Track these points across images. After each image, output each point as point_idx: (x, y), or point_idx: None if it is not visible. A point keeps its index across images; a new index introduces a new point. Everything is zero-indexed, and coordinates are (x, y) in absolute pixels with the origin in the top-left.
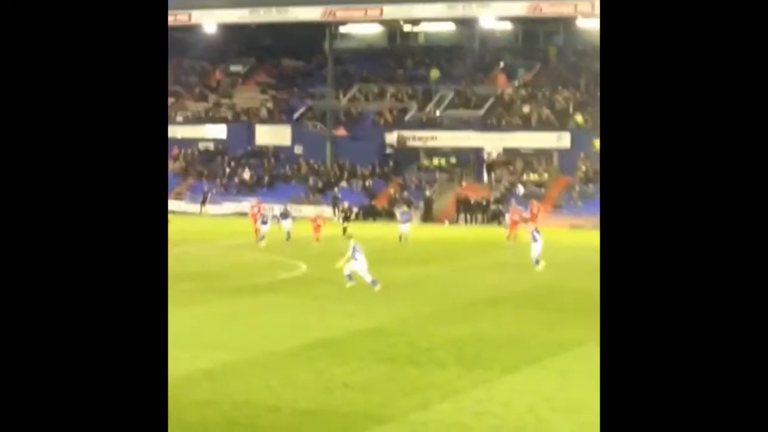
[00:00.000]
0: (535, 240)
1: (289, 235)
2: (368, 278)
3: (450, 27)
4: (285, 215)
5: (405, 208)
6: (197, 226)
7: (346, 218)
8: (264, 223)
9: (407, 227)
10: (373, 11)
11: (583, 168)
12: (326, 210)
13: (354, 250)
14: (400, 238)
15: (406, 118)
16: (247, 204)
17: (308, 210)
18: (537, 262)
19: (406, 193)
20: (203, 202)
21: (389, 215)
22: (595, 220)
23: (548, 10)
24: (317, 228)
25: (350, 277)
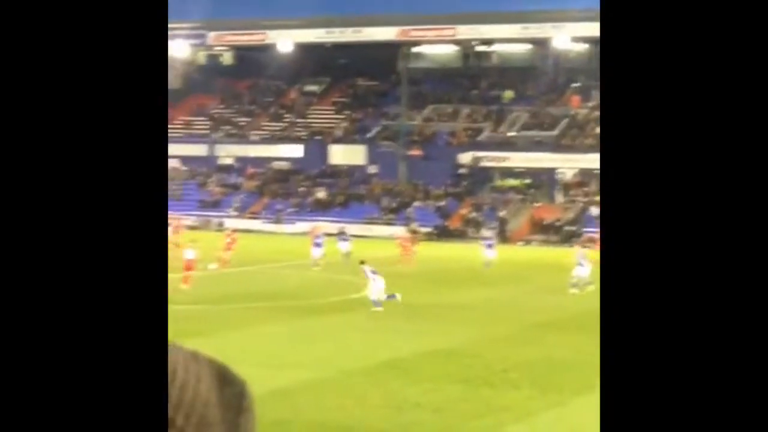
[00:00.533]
0: (580, 264)
1: (347, 255)
2: (384, 297)
3: (524, 47)
4: (343, 237)
5: (486, 232)
6: (272, 245)
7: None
8: (318, 245)
9: (493, 253)
10: (447, 31)
11: None
12: (400, 230)
13: (370, 273)
14: (486, 264)
15: (480, 138)
16: (322, 223)
17: (381, 230)
18: (575, 285)
19: (478, 214)
20: (277, 222)
21: (462, 236)
22: None
23: None
24: (406, 249)
25: (377, 302)
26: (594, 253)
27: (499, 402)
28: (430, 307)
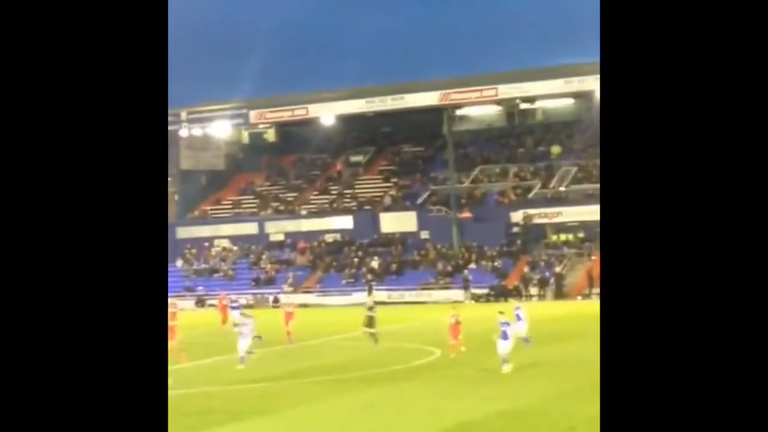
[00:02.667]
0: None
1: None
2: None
3: (567, 102)
4: (371, 309)
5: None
6: (329, 318)
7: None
8: (235, 308)
9: (508, 345)
10: (489, 92)
11: None
12: (456, 293)
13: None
14: (503, 360)
15: (530, 195)
16: (382, 293)
17: (438, 295)
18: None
19: (535, 271)
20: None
21: (520, 294)
22: None
23: None
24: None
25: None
26: None
27: None
28: (494, 369)
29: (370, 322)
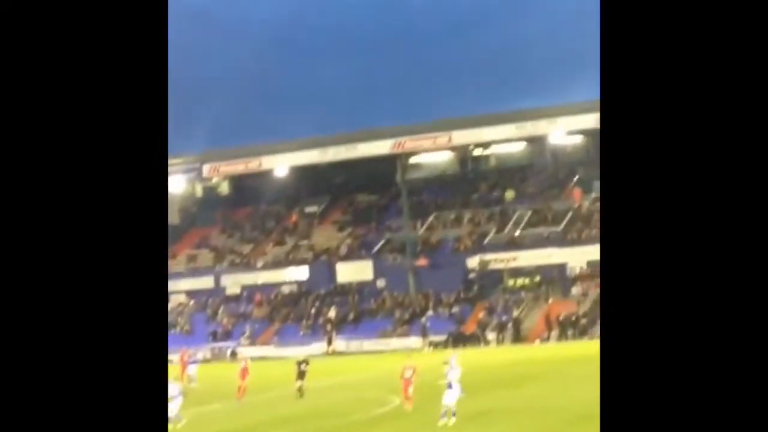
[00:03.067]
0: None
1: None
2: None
3: (520, 146)
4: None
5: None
6: (290, 368)
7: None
8: (192, 363)
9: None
10: (442, 139)
11: None
12: (415, 341)
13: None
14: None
15: (486, 241)
16: (341, 342)
17: (396, 343)
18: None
19: (492, 317)
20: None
21: (478, 340)
22: None
23: None
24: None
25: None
26: None
27: None
28: (461, 414)
29: (300, 375)
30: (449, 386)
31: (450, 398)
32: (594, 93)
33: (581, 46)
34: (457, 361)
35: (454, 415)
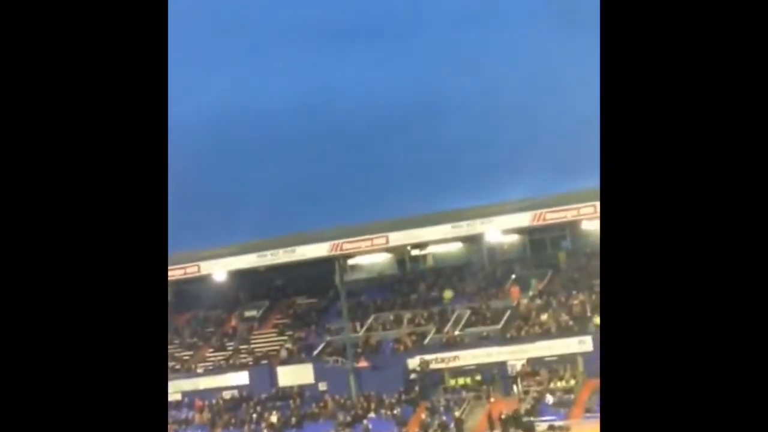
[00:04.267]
0: None
1: None
2: None
3: (457, 246)
4: None
5: None
6: None
7: None
8: None
9: None
10: (379, 240)
11: None
12: None
13: None
14: None
15: (426, 341)
16: None
17: None
18: None
19: (434, 417)
20: None
21: None
22: None
23: (552, 217)
24: None
25: None
26: None
27: None
28: None
29: None
30: None
31: None
32: (527, 192)
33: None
34: None
35: None
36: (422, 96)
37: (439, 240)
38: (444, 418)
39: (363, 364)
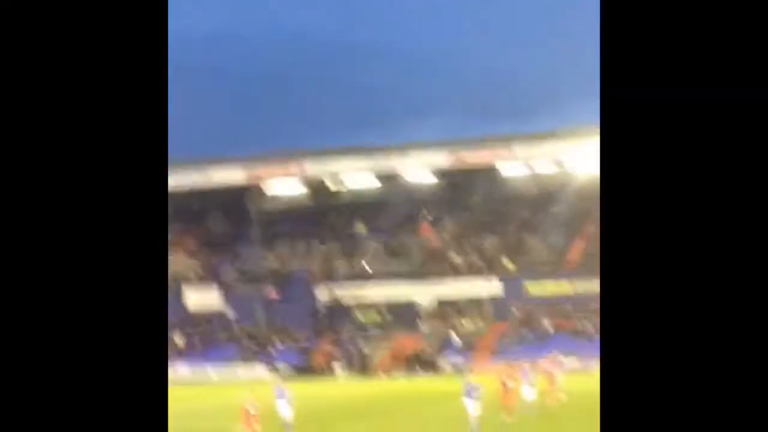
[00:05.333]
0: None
1: None
2: None
3: (373, 182)
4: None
5: (472, 380)
6: None
7: None
8: None
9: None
10: (296, 168)
11: (517, 312)
12: (262, 372)
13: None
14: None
15: (337, 274)
16: (186, 369)
17: (243, 372)
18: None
19: (339, 350)
20: None
21: (325, 373)
22: (543, 358)
23: (470, 159)
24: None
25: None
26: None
27: None
28: None
29: None
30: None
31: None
32: (445, 134)
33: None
34: (290, 393)
35: None
36: (347, 38)
37: (355, 172)
38: (350, 351)
39: (272, 293)
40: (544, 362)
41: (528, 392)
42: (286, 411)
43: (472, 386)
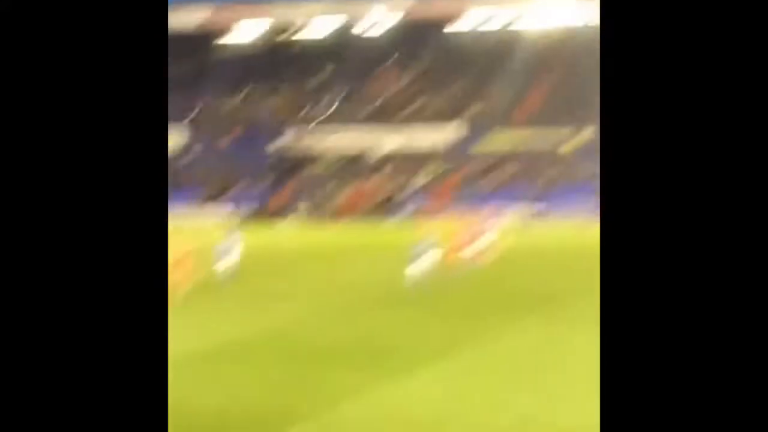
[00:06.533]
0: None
1: None
2: None
3: (339, 25)
4: None
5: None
6: None
7: None
8: None
9: (426, 262)
10: (260, 11)
11: (479, 160)
12: (221, 215)
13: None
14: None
15: (299, 118)
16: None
17: (203, 216)
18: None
19: (300, 194)
20: None
21: (286, 218)
22: (492, 210)
23: (437, 2)
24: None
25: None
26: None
27: (333, 380)
28: (256, 293)
29: None
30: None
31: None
32: None
33: None
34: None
35: None
36: None
37: (321, 17)
38: (311, 196)
39: (234, 135)
40: (483, 215)
41: (470, 248)
42: (232, 255)
43: (421, 241)
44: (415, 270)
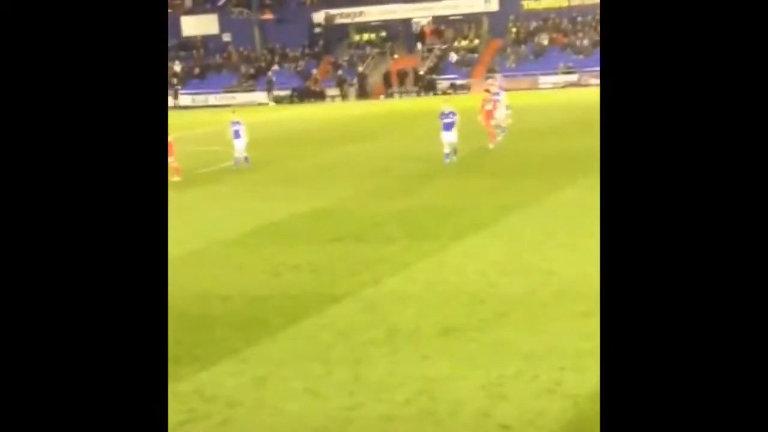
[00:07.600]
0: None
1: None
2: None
3: None
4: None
5: (447, 106)
6: None
7: None
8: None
9: (453, 135)
10: None
11: (514, 30)
12: (260, 96)
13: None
14: (448, 155)
15: None
16: (186, 97)
17: (242, 97)
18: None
19: (337, 72)
20: None
21: (323, 96)
22: (529, 81)
23: None
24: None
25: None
26: (455, 100)
27: (373, 256)
28: (299, 170)
29: None
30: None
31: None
32: None
33: None
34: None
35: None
36: None
37: None
38: (347, 73)
39: (268, 16)
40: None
41: (500, 115)
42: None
43: (447, 113)
44: (451, 138)
